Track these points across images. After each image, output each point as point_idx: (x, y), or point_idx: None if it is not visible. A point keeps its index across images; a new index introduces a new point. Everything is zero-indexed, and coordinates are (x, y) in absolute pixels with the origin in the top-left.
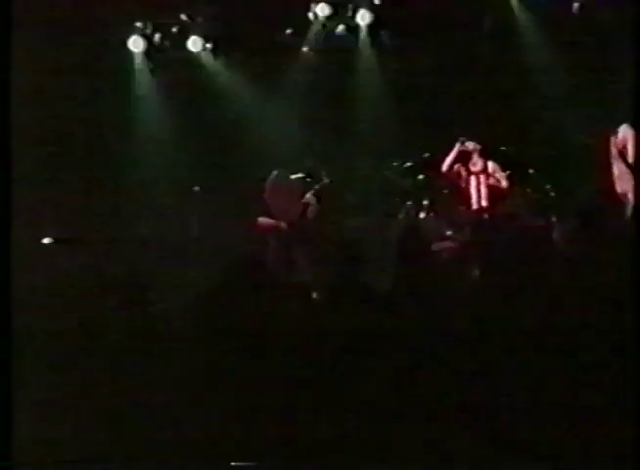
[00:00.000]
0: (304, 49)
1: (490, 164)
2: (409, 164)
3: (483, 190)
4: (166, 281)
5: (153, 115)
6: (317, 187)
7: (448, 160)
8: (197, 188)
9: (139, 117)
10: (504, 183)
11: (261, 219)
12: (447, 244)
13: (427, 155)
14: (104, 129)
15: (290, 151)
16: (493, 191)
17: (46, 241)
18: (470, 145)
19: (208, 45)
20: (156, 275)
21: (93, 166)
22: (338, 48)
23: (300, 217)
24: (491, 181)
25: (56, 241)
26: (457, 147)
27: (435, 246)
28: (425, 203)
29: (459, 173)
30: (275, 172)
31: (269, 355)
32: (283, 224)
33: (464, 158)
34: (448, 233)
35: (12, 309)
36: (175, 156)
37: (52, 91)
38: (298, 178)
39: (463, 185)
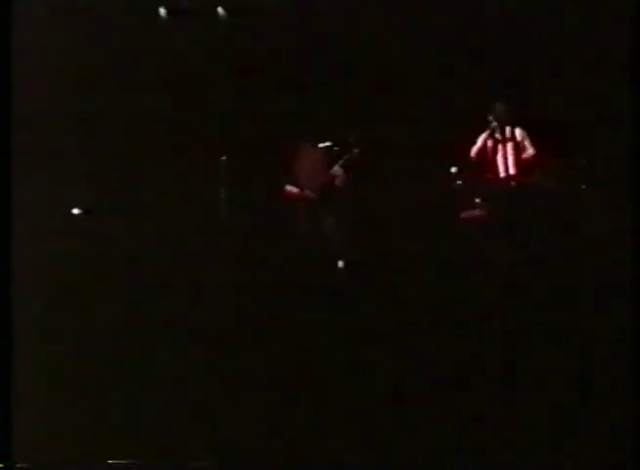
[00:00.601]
0: None
1: (518, 132)
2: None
3: (511, 158)
4: (194, 251)
5: (182, 81)
6: (346, 157)
7: (476, 147)
8: (224, 158)
9: (169, 84)
10: (531, 151)
11: (289, 188)
12: (476, 212)
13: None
14: (134, 98)
15: (318, 120)
16: (521, 159)
17: (76, 211)
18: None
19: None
20: (184, 245)
21: (122, 137)
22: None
23: (328, 187)
24: (519, 149)
25: (85, 211)
26: (485, 135)
27: (465, 214)
28: (453, 170)
29: (485, 142)
30: (303, 142)
31: (294, 323)
32: (310, 193)
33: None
34: (477, 201)
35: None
36: (204, 124)
37: (82, 58)
38: (326, 147)
39: (490, 153)
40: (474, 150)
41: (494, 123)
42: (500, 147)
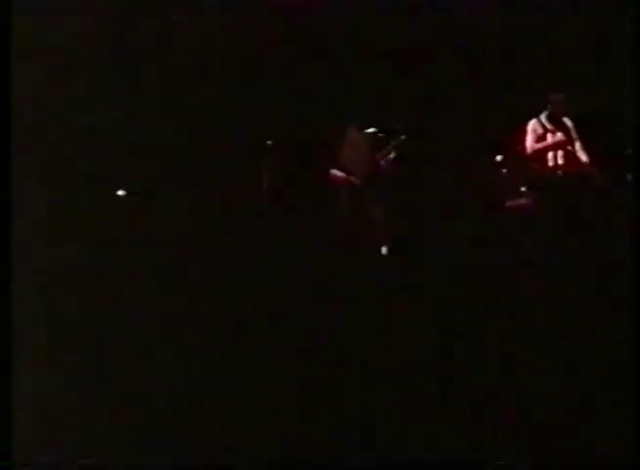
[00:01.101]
0: None
1: (568, 122)
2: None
3: (560, 147)
4: (233, 234)
5: (219, 62)
6: (393, 143)
7: (530, 142)
8: (269, 142)
9: (207, 66)
10: (579, 143)
11: (334, 172)
12: (522, 201)
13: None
14: (175, 80)
15: (366, 104)
16: (569, 149)
17: (120, 193)
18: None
19: None
20: (223, 229)
21: (165, 120)
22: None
23: (373, 173)
24: (569, 139)
25: (129, 193)
26: (533, 123)
27: (510, 202)
28: (498, 159)
29: (535, 131)
30: (350, 126)
31: (336, 309)
32: (355, 179)
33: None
34: (522, 190)
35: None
36: (249, 107)
37: (114, 40)
38: (373, 133)
39: (538, 142)
40: (528, 139)
41: (545, 112)
42: (549, 136)
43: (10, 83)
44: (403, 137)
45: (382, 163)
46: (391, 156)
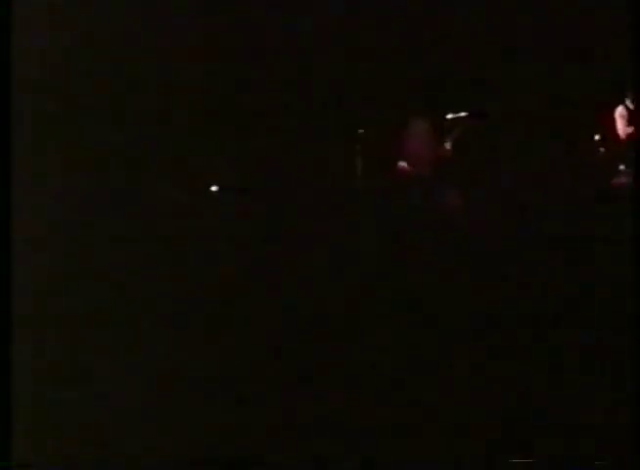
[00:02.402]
0: None
1: None
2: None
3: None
4: (309, 231)
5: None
6: (458, 130)
7: (622, 127)
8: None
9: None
10: None
11: (401, 164)
12: (622, 180)
13: None
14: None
15: (431, 91)
16: None
17: (214, 189)
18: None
19: None
20: (302, 225)
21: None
22: None
23: (440, 163)
24: None
25: (223, 189)
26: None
27: (613, 182)
28: (596, 138)
29: (623, 115)
30: (410, 117)
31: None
32: (418, 170)
33: None
34: (621, 168)
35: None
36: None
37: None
38: (437, 121)
39: (629, 125)
40: (618, 125)
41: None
42: (621, 108)
43: None
44: (467, 122)
45: (451, 149)
46: (455, 141)
